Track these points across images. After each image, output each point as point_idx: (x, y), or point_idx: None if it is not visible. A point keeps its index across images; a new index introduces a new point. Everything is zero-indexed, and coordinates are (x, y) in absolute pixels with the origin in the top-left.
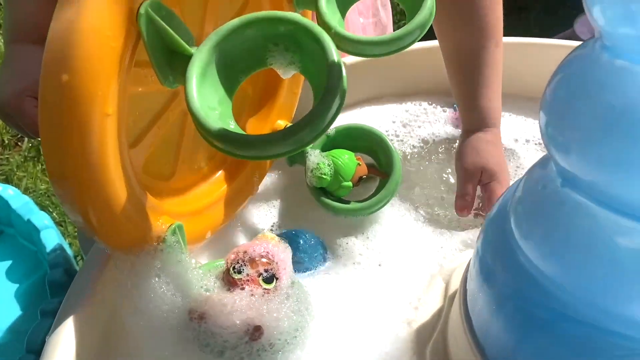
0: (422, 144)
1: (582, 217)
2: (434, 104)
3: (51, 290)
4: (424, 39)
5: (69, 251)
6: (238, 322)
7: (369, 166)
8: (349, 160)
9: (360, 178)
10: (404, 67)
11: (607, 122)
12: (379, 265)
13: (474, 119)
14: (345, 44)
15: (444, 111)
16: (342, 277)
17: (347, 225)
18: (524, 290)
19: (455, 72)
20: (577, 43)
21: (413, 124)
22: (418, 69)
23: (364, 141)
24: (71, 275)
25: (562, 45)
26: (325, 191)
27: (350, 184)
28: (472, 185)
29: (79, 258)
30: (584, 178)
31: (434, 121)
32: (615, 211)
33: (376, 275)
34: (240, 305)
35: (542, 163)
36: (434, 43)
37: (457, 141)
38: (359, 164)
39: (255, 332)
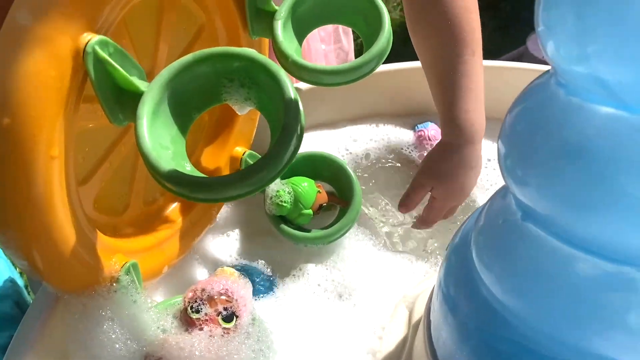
0: (380, 168)
1: (542, 251)
2: (395, 126)
3: (1, 324)
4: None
5: (20, 282)
6: None
7: (329, 194)
8: (309, 188)
9: (321, 206)
10: (360, 91)
11: (564, 159)
12: (341, 294)
13: (451, 132)
14: (303, 73)
15: (401, 133)
16: (303, 307)
17: (308, 253)
18: (487, 324)
19: (433, 83)
20: (531, 66)
21: (371, 148)
22: (376, 92)
23: (323, 169)
24: (22, 307)
25: (516, 68)
26: (285, 219)
27: (310, 211)
28: (418, 196)
29: (29, 288)
30: (541, 212)
31: (394, 144)
32: (573, 246)
33: (339, 304)
34: (199, 348)
35: (503, 194)
36: (393, 66)
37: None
38: (319, 191)
39: None
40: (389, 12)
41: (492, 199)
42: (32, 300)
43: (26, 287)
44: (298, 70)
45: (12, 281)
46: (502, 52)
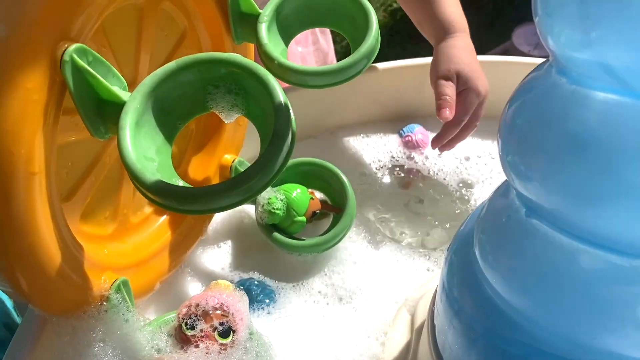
0: (373, 170)
1: (549, 248)
2: (379, 133)
3: None
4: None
5: (8, 303)
6: None
7: (321, 202)
8: (302, 194)
9: (314, 213)
10: (344, 96)
11: (569, 151)
12: (341, 298)
13: (439, 29)
14: (289, 75)
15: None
16: (303, 316)
17: (304, 260)
18: (494, 326)
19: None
20: (516, 59)
21: (361, 152)
22: (363, 95)
23: (314, 176)
24: (11, 329)
25: (502, 62)
26: (277, 228)
27: (304, 219)
28: (449, 89)
29: (19, 310)
30: (547, 207)
31: (382, 146)
32: (581, 240)
33: (339, 310)
34: None
35: (503, 191)
36: (379, 66)
37: (403, 168)
38: (311, 198)
39: None
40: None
41: (493, 196)
42: (20, 324)
43: (15, 308)
44: (284, 73)
45: (0, 303)
46: (487, 48)
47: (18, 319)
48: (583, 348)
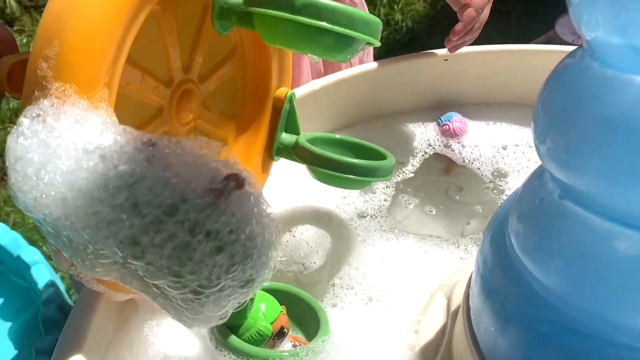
0: (410, 159)
1: (584, 230)
2: (417, 121)
3: (45, 328)
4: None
5: (61, 286)
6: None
7: (292, 335)
8: (273, 302)
9: (280, 331)
10: (384, 85)
11: (601, 132)
12: (371, 300)
13: None
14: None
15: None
16: (337, 319)
17: (330, 265)
18: (528, 306)
19: None
20: (559, 47)
21: (399, 140)
22: (402, 85)
23: (291, 307)
24: (64, 311)
25: (545, 51)
26: (234, 329)
27: (270, 328)
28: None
29: (71, 292)
30: (581, 189)
31: (420, 135)
32: (615, 221)
33: (371, 305)
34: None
35: (538, 175)
36: (416, 56)
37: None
38: (282, 311)
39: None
40: (413, 3)
41: (528, 180)
42: (77, 299)
43: (68, 290)
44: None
45: (54, 285)
46: (530, 37)
47: (71, 302)
48: (615, 327)
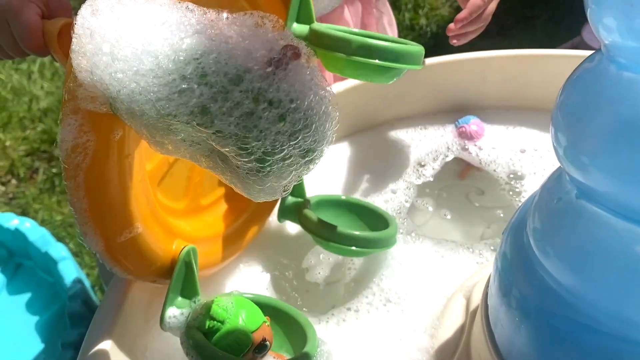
0: (430, 162)
1: (600, 228)
2: (436, 124)
3: (71, 322)
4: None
5: (87, 282)
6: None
7: (274, 352)
8: (255, 310)
9: (261, 344)
10: (404, 89)
11: (618, 133)
12: (389, 302)
13: None
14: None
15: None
16: (354, 323)
17: (351, 258)
18: (545, 304)
19: None
20: (583, 52)
21: (418, 143)
22: (421, 88)
23: (277, 322)
24: (90, 306)
25: (569, 56)
26: (209, 336)
27: (250, 337)
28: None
29: (96, 288)
30: (598, 190)
31: (439, 138)
32: (631, 220)
33: (388, 307)
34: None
35: (557, 176)
36: (436, 60)
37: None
38: (266, 322)
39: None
40: (438, 8)
41: (547, 181)
42: (106, 290)
43: (93, 287)
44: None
45: (80, 282)
46: (555, 43)
47: (95, 298)
48: (634, 325)
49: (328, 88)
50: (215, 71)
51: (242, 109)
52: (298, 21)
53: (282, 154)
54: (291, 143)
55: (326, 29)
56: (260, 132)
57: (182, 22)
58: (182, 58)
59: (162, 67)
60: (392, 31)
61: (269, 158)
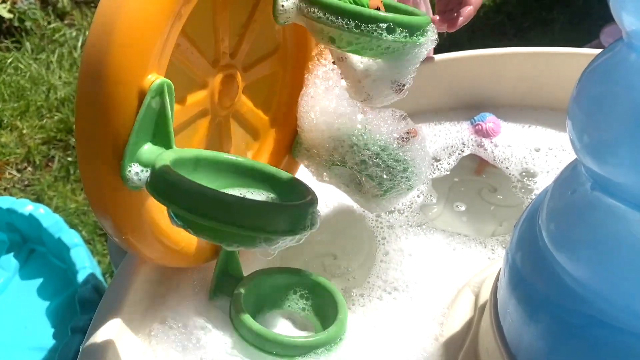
0: (445, 157)
1: (615, 221)
2: (452, 120)
3: (81, 307)
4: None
5: (98, 269)
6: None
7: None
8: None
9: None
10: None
11: (638, 121)
12: (396, 287)
13: None
14: None
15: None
16: (364, 310)
17: (362, 248)
18: (556, 297)
19: None
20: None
21: (434, 138)
22: (437, 83)
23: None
24: (100, 292)
25: (585, 54)
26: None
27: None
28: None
29: (107, 275)
30: (614, 180)
31: (455, 133)
32: None
33: (395, 299)
34: None
35: (571, 168)
36: (452, 55)
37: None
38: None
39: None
40: None
41: (561, 173)
42: (114, 276)
43: (104, 274)
44: None
45: (91, 268)
46: (574, 46)
47: (105, 284)
48: None
49: (429, 152)
50: (371, 143)
51: (386, 164)
52: None
53: (398, 188)
54: (406, 182)
55: None
56: (393, 177)
57: (351, 116)
58: (353, 138)
59: (336, 138)
60: (426, 6)
61: (392, 190)
